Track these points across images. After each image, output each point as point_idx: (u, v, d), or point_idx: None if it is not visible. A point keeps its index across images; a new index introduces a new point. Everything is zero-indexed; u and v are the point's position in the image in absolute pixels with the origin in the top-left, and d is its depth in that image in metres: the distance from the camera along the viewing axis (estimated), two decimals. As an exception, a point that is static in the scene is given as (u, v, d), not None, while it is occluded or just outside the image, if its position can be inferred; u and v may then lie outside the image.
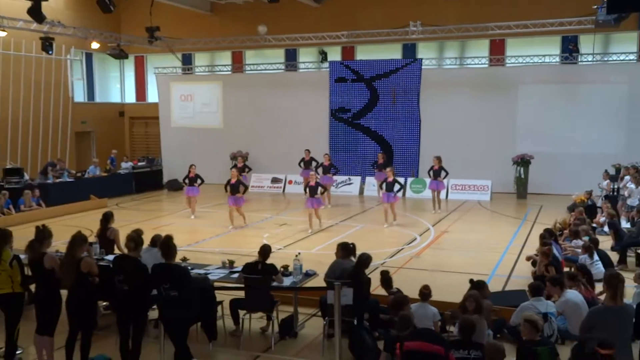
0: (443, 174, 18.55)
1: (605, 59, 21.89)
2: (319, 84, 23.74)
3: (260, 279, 8.34)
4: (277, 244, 14.11)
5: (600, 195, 17.88)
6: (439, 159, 18.58)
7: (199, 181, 18.09)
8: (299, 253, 9.91)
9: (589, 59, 21.71)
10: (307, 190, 15.82)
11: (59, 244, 8.92)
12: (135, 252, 7.30)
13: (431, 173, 18.71)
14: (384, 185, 16.71)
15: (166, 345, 7.23)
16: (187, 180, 18.19)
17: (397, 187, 16.36)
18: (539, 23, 20.23)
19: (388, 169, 16.98)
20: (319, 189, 15.78)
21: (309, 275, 9.21)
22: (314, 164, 20.62)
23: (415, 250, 13.74)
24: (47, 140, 24.02)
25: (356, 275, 8.10)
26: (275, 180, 23.90)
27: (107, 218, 10.65)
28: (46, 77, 23.74)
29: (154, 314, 7.83)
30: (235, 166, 21.10)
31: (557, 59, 21.92)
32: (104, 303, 9.29)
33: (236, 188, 16.23)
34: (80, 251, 7.37)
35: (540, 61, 21.77)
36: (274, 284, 8.51)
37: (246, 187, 16.50)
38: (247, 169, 21.33)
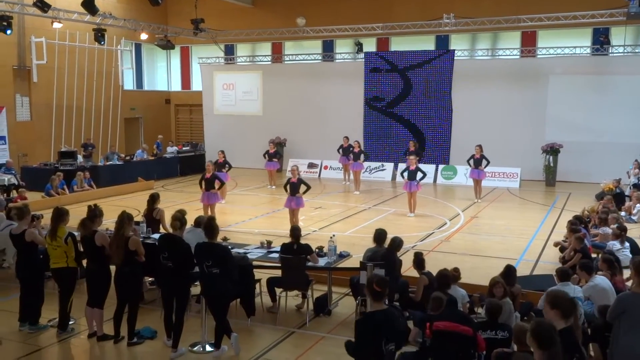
0: (484, 162, 17.94)
1: (637, 50, 21.72)
2: (355, 73, 24.11)
3: (296, 258, 8.50)
4: (313, 226, 14.45)
5: (628, 184, 17.93)
6: (480, 147, 18.02)
7: (227, 167, 17.78)
8: (334, 235, 9.94)
9: (620, 51, 21.58)
10: (288, 187, 13.74)
11: (108, 222, 9.17)
12: (179, 231, 7.49)
13: (472, 162, 18.13)
14: (405, 174, 16.14)
15: (207, 319, 7.43)
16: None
17: (419, 175, 15.76)
18: (571, 15, 20.16)
19: (411, 157, 16.39)
20: (302, 186, 13.56)
21: (342, 256, 9.23)
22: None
23: (445, 235, 13.87)
24: (99, 125, 24.91)
25: (388, 257, 8.30)
26: (311, 166, 24.39)
27: (153, 199, 10.80)
28: (98, 66, 24.51)
29: (196, 289, 8.04)
30: (216, 162, 17.73)
31: (588, 50, 21.89)
32: (150, 279, 9.55)
33: (211, 184, 14.49)
34: (128, 229, 7.55)
35: (571, 52, 21.80)
36: (309, 263, 8.60)
37: (222, 183, 14.91)
38: (227, 166, 18.15)
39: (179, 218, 7.56)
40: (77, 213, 9.92)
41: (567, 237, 11.27)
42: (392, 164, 23.37)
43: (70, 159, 20.57)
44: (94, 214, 7.81)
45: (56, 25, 20.93)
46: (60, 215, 7.88)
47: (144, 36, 24.63)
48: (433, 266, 9.13)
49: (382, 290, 5.18)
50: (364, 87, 24.14)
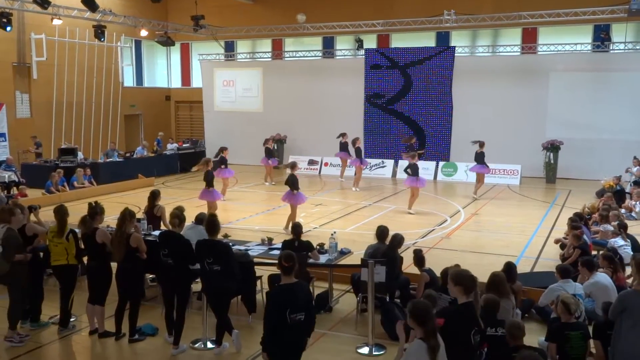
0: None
1: (637, 47, 21.66)
2: (355, 70, 24.08)
3: (297, 255, 8.69)
4: (313, 223, 14.37)
5: (629, 181, 17.93)
6: (482, 143, 18.11)
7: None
8: (335, 232, 9.94)
9: (621, 48, 21.55)
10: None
11: (108, 219, 9.26)
12: (179, 228, 7.56)
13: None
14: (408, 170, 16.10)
15: (208, 316, 7.48)
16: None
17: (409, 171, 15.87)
18: (572, 12, 20.10)
19: (411, 153, 16.48)
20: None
21: (343, 253, 9.28)
22: (350, 148, 20.64)
23: (445, 232, 13.89)
24: (99, 122, 24.97)
25: (389, 254, 8.32)
26: (311, 162, 24.38)
27: (154, 196, 10.76)
28: (98, 63, 24.53)
29: (197, 286, 8.10)
30: (219, 154, 17.92)
31: (589, 47, 21.86)
32: (151, 276, 9.53)
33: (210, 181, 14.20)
34: (129, 226, 7.58)
35: (571, 49, 21.76)
36: (310, 260, 8.64)
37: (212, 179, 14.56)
38: (222, 165, 17.61)
39: (178, 215, 7.61)
40: (77, 210, 9.86)
41: (568, 234, 11.24)
42: (392, 161, 23.33)
43: (70, 156, 20.60)
44: (95, 211, 7.80)
45: (56, 22, 20.97)
46: (66, 212, 7.90)
47: (144, 33, 24.60)
48: (434, 263, 9.13)
49: (289, 265, 5.50)
50: (364, 84, 24.10)
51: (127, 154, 23.18)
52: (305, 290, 5.65)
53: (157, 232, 9.74)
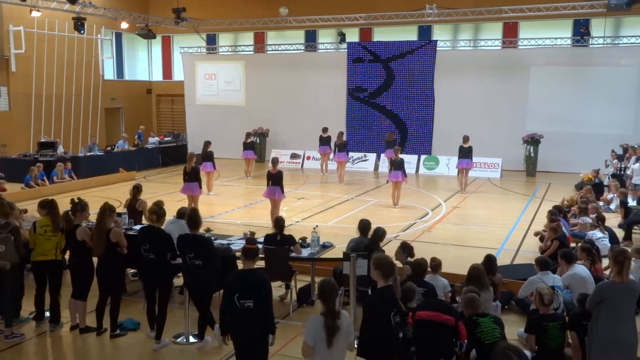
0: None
1: (616, 42, 21.96)
2: (337, 64, 24.10)
3: (279, 249, 8.53)
4: (296, 216, 14.43)
5: (607, 174, 18.12)
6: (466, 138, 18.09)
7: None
8: (317, 226, 9.98)
9: (600, 42, 21.83)
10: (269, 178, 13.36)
11: (90, 214, 9.20)
12: (159, 223, 7.53)
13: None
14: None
15: (191, 310, 7.49)
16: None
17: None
18: (552, 7, 20.33)
19: (396, 148, 16.74)
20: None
21: (326, 246, 9.27)
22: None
23: (427, 225, 13.99)
24: (79, 115, 24.68)
25: (372, 247, 8.25)
26: (294, 156, 24.42)
27: (137, 190, 10.77)
28: (78, 55, 24.25)
29: (179, 281, 8.09)
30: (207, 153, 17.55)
31: (569, 41, 22.10)
32: (132, 270, 9.55)
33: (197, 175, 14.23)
34: (109, 221, 7.54)
35: (552, 44, 21.97)
36: (293, 254, 8.66)
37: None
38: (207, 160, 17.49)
39: (156, 211, 7.59)
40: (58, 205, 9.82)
41: (547, 227, 11.32)
42: (374, 155, 23.43)
43: (49, 150, 20.38)
44: (75, 208, 7.79)
45: (35, 13, 20.71)
46: (57, 206, 7.96)
47: (124, 25, 24.35)
48: (416, 256, 9.01)
49: (252, 247, 5.77)
50: (346, 78, 24.13)
51: (108, 148, 23.00)
52: (259, 279, 5.68)
53: (138, 227, 9.66)
